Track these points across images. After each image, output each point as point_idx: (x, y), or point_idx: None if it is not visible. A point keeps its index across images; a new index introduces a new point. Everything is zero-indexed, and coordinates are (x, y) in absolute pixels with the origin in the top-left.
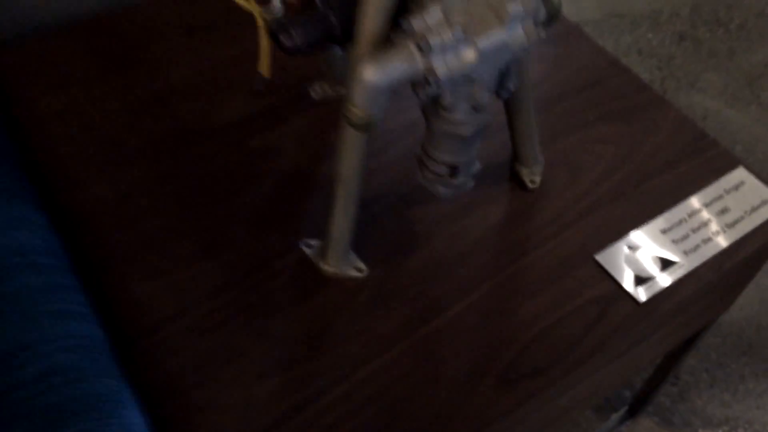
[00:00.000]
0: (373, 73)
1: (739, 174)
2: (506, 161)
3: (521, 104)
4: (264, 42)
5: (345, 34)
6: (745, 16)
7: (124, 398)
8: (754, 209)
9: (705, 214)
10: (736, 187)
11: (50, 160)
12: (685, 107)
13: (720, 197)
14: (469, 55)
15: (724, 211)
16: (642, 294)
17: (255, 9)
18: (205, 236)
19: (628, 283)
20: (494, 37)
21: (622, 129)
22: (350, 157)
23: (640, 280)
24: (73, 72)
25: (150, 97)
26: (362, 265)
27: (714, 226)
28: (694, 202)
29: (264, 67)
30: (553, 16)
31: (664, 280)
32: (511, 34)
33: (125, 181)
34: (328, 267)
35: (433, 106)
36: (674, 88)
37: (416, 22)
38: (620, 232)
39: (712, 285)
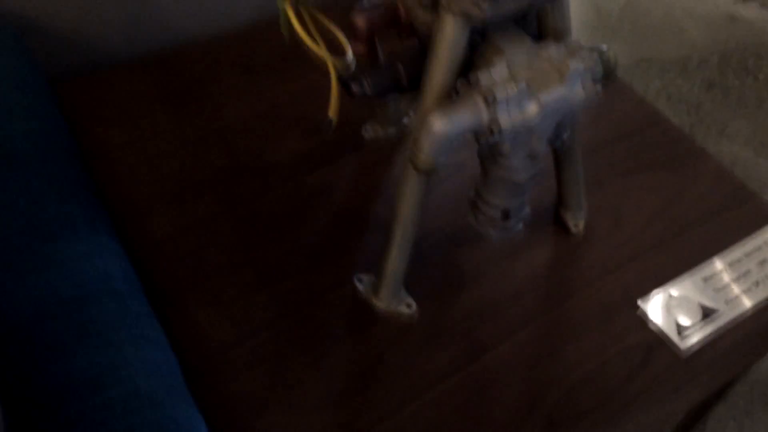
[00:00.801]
0: (442, 124)
1: None
2: (551, 206)
3: (570, 153)
4: (335, 89)
5: (411, 84)
6: None
7: (199, 425)
8: None
9: (746, 265)
10: None
11: (116, 191)
12: (713, 154)
13: (760, 248)
14: (532, 109)
15: (764, 263)
16: (684, 341)
17: (328, 58)
18: (262, 268)
19: (670, 329)
20: (555, 93)
21: (663, 178)
22: (411, 198)
23: (682, 328)
24: (136, 106)
25: (209, 133)
26: (412, 302)
27: (754, 277)
28: (735, 252)
29: (333, 112)
30: (609, 74)
31: (706, 328)
32: (570, 89)
33: (186, 213)
34: (380, 302)
35: (490, 153)
36: (703, 135)
37: (483, 76)
38: (663, 279)
39: (751, 334)
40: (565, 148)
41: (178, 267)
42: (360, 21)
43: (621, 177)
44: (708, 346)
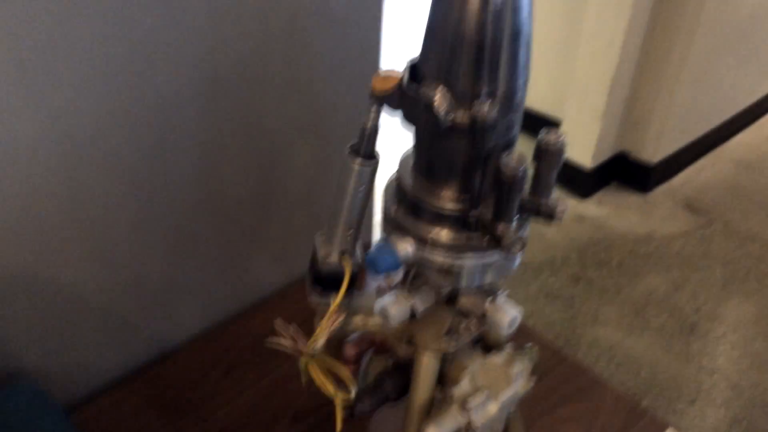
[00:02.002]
0: None
1: None
2: None
3: (514, 414)
4: (339, 414)
5: (399, 395)
6: (621, 255)
7: None
8: None
9: None
10: None
11: None
12: (593, 341)
13: None
14: (493, 408)
15: None
16: None
17: (337, 395)
18: None
19: None
20: (507, 393)
21: (578, 408)
22: None
23: None
24: (138, 423)
25: None
26: None
27: None
28: None
29: (339, 425)
30: (536, 366)
31: None
32: (516, 386)
33: None
34: None
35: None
36: (582, 324)
37: (457, 391)
38: None
39: None
40: (511, 412)
41: None
42: (350, 350)
43: (546, 413)
44: None
